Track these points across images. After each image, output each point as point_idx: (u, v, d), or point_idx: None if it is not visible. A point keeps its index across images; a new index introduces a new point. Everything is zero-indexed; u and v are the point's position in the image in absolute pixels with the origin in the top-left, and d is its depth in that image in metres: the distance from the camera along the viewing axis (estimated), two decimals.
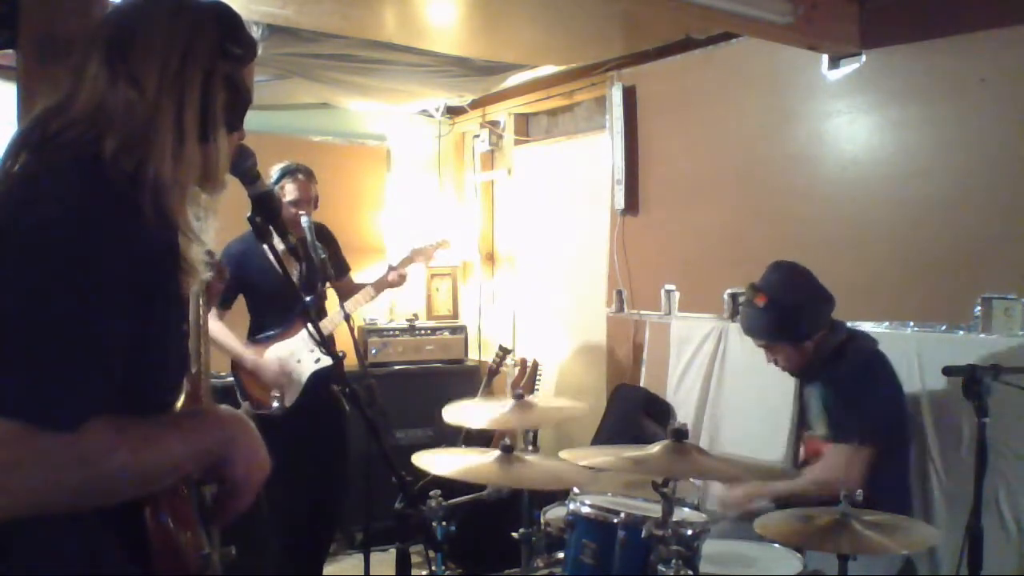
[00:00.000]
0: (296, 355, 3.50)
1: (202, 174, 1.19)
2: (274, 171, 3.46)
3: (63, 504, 1.00)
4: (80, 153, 1.07)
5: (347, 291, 3.70)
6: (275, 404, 3.35)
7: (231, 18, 1.22)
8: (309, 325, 1.58)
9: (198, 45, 1.16)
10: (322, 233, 3.53)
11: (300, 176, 3.47)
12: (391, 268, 3.74)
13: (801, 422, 2.74)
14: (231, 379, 3.57)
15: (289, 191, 3.45)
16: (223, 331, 3.44)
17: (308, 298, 3.44)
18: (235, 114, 1.23)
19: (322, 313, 3.61)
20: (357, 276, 4.36)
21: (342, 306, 3.15)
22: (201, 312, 1.72)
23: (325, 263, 3.39)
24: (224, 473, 1.17)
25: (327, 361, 3.45)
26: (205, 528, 1.27)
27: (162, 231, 1.10)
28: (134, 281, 1.04)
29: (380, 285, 3.70)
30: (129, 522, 1.10)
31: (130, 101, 1.11)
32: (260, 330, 3.54)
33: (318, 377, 3.48)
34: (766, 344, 2.66)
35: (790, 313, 2.56)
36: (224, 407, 1.30)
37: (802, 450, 2.72)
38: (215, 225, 1.27)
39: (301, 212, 3.41)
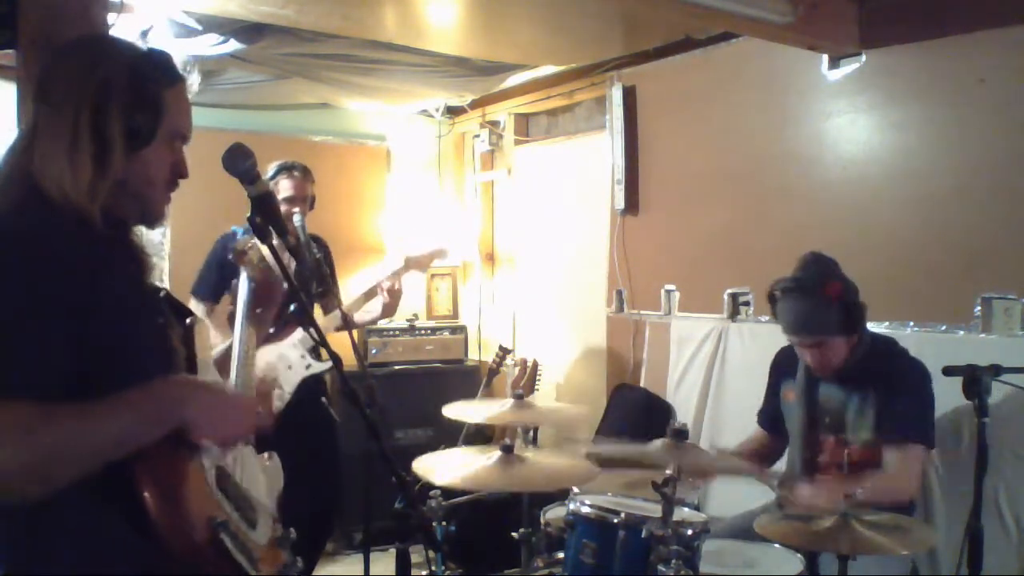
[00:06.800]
0: (286, 360, 3.34)
1: (98, 182, 1.25)
2: (270, 168, 3.39)
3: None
4: (23, 186, 1.24)
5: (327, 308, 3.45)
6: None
7: (151, 50, 1.34)
8: (310, 327, 1.58)
9: (103, 65, 1.27)
10: (317, 243, 3.46)
11: (296, 173, 3.42)
12: (380, 285, 3.49)
13: (813, 425, 2.58)
14: None
15: (284, 188, 3.38)
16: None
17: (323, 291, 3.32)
18: (140, 135, 1.29)
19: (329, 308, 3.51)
20: (356, 276, 4.36)
21: (341, 310, 3.10)
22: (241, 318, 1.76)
23: (320, 263, 3.36)
24: (192, 436, 1.22)
25: (318, 367, 3.36)
26: (240, 506, 1.34)
27: (86, 237, 1.22)
28: (69, 284, 1.17)
29: (371, 294, 3.50)
30: (128, 499, 1.15)
31: (42, 118, 1.26)
32: None
33: (307, 386, 3.36)
34: (825, 339, 2.45)
35: (854, 304, 2.45)
36: (180, 378, 1.34)
37: (825, 455, 2.55)
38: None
39: (295, 210, 3.38)
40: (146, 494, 1.14)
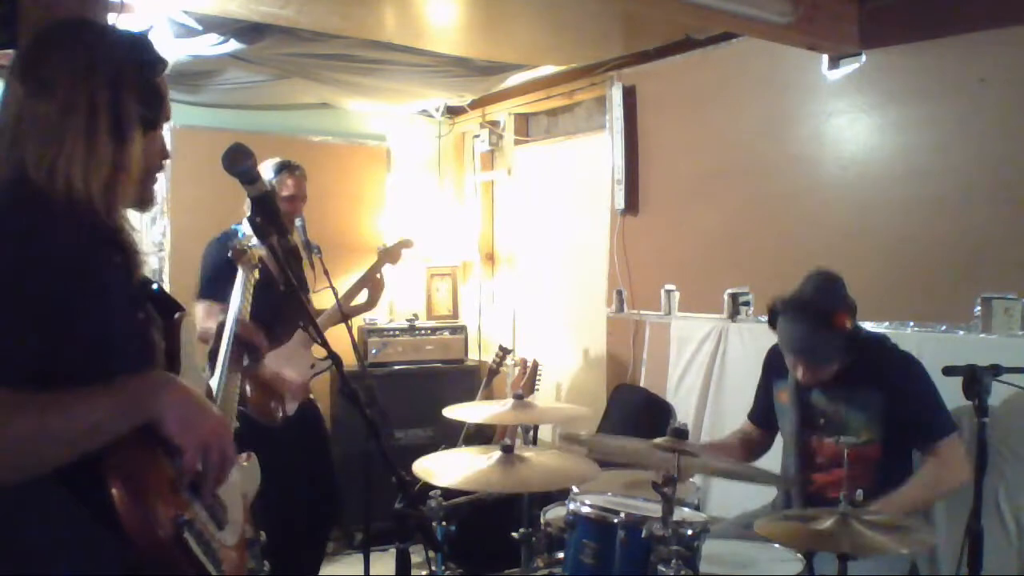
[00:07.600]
0: (293, 363, 3.34)
1: (118, 172, 1.27)
2: (270, 165, 3.38)
3: None
4: (15, 181, 1.23)
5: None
6: (279, 414, 3.25)
7: (138, 34, 1.35)
8: (311, 328, 1.58)
9: (106, 53, 1.28)
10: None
11: (298, 172, 3.43)
12: (363, 281, 3.75)
13: (807, 427, 2.59)
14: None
15: (288, 186, 3.38)
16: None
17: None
18: (150, 115, 1.31)
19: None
20: (355, 276, 4.35)
21: (338, 301, 3.11)
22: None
23: (320, 263, 3.36)
24: (163, 431, 1.21)
25: (322, 366, 3.41)
26: (209, 505, 1.32)
27: (81, 233, 1.22)
28: (58, 284, 1.17)
29: (355, 291, 3.73)
30: (94, 493, 1.15)
31: (42, 110, 1.24)
32: None
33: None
34: (827, 365, 2.46)
35: (856, 330, 2.46)
36: (159, 372, 1.34)
37: (822, 456, 2.56)
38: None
39: (298, 209, 3.39)
40: (113, 490, 1.15)
